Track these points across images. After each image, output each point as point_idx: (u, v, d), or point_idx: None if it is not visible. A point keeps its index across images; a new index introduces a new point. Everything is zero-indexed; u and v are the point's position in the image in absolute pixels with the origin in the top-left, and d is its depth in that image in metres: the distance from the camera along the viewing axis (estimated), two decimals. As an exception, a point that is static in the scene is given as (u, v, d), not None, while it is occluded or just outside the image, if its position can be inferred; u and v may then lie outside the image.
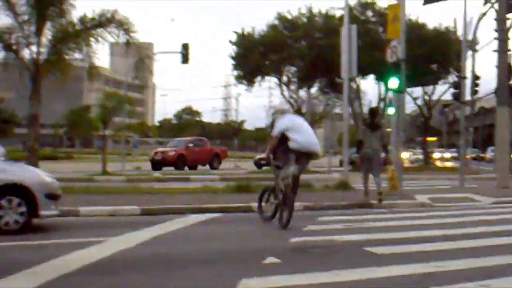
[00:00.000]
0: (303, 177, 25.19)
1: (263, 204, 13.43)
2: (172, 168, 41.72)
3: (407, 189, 21.47)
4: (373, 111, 19.49)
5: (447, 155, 69.88)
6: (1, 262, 8.64)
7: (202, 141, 47.92)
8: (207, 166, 45.15)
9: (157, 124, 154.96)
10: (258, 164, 43.16)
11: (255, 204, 14.25)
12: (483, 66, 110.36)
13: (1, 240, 10.20)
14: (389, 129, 30.26)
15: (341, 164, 34.00)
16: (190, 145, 45.10)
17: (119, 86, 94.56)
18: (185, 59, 46.24)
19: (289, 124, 13.21)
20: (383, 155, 18.35)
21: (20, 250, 9.76)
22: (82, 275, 7.82)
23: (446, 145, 75.08)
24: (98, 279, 7.68)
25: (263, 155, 17.37)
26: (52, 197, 11.72)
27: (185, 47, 46.19)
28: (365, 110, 53.17)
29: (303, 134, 13.14)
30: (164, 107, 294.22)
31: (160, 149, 47.68)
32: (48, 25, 22.37)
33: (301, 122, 13.63)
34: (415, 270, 8.12)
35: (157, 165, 42.46)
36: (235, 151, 66.82)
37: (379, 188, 17.46)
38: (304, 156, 13.15)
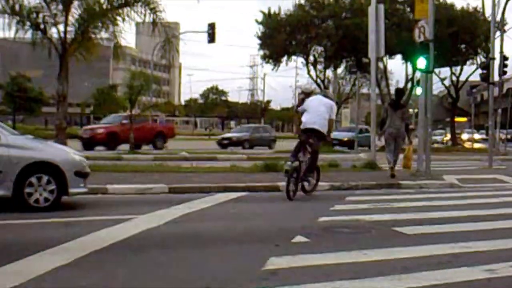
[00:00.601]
0: (330, 156, 25.24)
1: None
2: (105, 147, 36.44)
3: (436, 170, 21.36)
4: (399, 91, 20.97)
5: (476, 136, 69.33)
6: (31, 239, 8.70)
7: (142, 118, 40.42)
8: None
9: (183, 103, 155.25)
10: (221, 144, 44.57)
11: (282, 184, 14.29)
12: (511, 47, 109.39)
13: (31, 217, 10.29)
14: (416, 110, 30.08)
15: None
16: (125, 121, 36.83)
17: (146, 66, 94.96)
18: (211, 38, 46.36)
19: (304, 106, 14.56)
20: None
21: (49, 227, 9.81)
22: (111, 253, 7.87)
23: (474, 126, 74.48)
24: (127, 256, 7.73)
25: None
26: (81, 175, 11.79)
27: (212, 26, 46.26)
28: (392, 90, 53.01)
29: (307, 114, 14.29)
30: (190, 86, 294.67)
31: (90, 126, 44.69)
32: (75, 4, 22.37)
33: (314, 104, 14.48)
34: (443, 251, 8.09)
35: (86, 144, 36.26)
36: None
37: (395, 163, 18.67)
38: (308, 134, 14.20)
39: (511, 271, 7.05)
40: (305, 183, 14.30)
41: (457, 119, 53.74)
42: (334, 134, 30.84)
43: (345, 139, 41.78)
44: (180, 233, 9.37)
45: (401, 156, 19.30)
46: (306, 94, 15.69)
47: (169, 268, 7.10)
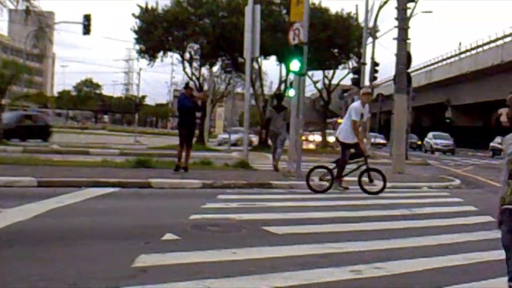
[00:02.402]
0: (203, 154, 25.30)
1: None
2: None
3: (306, 171, 21.73)
4: (278, 96, 24.83)
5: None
6: None
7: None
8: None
9: (56, 95, 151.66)
10: None
11: (154, 180, 14.20)
12: (382, 53, 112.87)
13: None
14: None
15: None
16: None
17: (18, 55, 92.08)
18: (86, 30, 45.52)
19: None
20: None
21: None
22: (-27, 247, 7.60)
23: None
24: (-10, 251, 7.48)
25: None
26: None
27: (87, 18, 45.43)
28: (266, 90, 53.62)
29: None
30: (64, 78, 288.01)
31: None
32: None
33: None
34: (311, 251, 8.24)
35: None
36: (135, 126, 66.05)
37: (278, 159, 21.32)
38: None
39: (375, 272, 7.25)
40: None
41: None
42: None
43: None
44: (48, 228, 9.14)
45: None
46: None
47: (34, 265, 6.90)
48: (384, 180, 16.36)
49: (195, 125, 19.95)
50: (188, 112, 18.63)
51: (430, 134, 65.89)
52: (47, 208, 10.86)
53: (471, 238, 9.99)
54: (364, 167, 16.59)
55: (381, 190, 16.28)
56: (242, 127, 48.80)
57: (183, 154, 18.48)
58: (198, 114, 22.18)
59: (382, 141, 68.50)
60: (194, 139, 23.18)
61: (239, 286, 6.38)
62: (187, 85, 20.16)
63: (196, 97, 19.12)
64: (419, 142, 68.94)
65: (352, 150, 16.50)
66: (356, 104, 16.69)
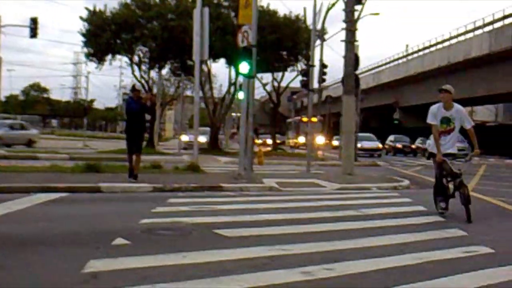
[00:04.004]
0: (153, 158, 25.19)
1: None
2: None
3: (257, 173, 21.86)
4: None
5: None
6: None
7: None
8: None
9: (3, 99, 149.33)
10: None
11: (104, 184, 14.10)
12: (331, 55, 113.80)
13: None
14: (239, 114, 30.76)
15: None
16: None
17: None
18: (33, 33, 44.98)
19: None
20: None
21: None
22: None
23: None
24: None
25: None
26: None
27: (34, 21, 44.89)
28: (216, 93, 53.60)
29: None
30: (11, 82, 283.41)
31: None
32: None
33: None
34: (261, 253, 8.25)
35: None
36: (84, 130, 65.37)
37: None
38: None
39: (325, 273, 7.28)
40: None
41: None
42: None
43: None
44: (-5, 235, 9.01)
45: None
46: None
47: (-18, 272, 6.81)
48: None
49: (144, 129, 19.34)
50: (135, 116, 18.03)
51: (391, 137, 65.29)
52: (-6, 215, 10.71)
53: (421, 238, 10.10)
54: None
55: None
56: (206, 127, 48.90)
57: (124, 160, 18.17)
58: (148, 117, 21.94)
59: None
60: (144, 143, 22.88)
61: (190, 289, 6.38)
62: (133, 88, 19.64)
63: (143, 99, 18.55)
64: (414, 146, 64.64)
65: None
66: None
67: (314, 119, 57.73)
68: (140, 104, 17.97)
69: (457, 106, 12.33)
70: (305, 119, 41.39)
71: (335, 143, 61.94)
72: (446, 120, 12.23)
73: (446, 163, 12.02)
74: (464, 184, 12.23)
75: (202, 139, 43.76)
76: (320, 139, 57.07)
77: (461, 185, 12.18)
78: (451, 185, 12.59)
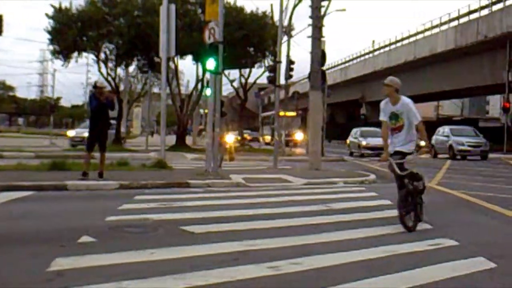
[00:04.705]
0: (120, 155, 25.07)
1: None
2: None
3: (224, 169, 21.88)
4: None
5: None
6: None
7: None
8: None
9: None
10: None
11: (70, 182, 14.03)
12: (297, 51, 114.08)
13: None
14: (206, 110, 30.79)
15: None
16: None
17: None
18: (-2, 31, 44.45)
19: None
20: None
21: None
22: None
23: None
24: None
25: None
26: None
27: (0, 19, 44.39)
28: (183, 90, 53.47)
29: None
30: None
31: None
32: None
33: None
34: (228, 249, 8.26)
35: None
36: (50, 128, 64.82)
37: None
38: None
39: (293, 267, 7.31)
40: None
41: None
42: None
43: None
44: (-41, 235, 8.91)
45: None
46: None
47: None
48: None
49: (106, 126, 18.48)
50: (96, 113, 17.44)
51: (357, 132, 47.22)
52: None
53: (388, 231, 10.18)
54: None
55: None
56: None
57: (92, 158, 17.72)
58: (114, 114, 21.61)
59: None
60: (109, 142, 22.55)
61: (157, 286, 6.35)
62: (95, 85, 18.60)
63: (101, 96, 17.88)
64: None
65: None
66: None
67: (293, 113, 56.78)
68: (99, 101, 17.47)
69: (404, 99, 10.99)
70: (281, 113, 39.92)
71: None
72: (394, 116, 10.95)
73: (391, 163, 10.74)
74: (418, 176, 11.04)
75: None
76: (299, 136, 55.60)
77: (415, 177, 10.91)
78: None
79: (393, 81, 11.03)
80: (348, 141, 48.18)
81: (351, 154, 45.18)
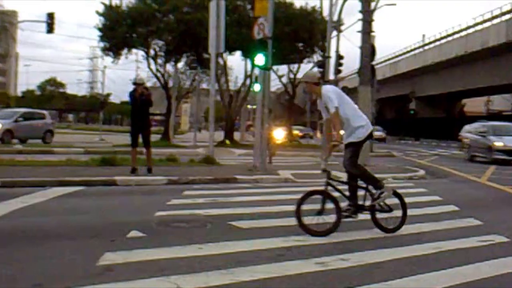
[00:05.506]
0: (169, 151, 25.22)
1: None
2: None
3: (272, 165, 21.87)
4: None
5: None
6: None
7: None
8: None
9: (20, 95, 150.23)
10: None
11: (119, 178, 14.15)
12: (347, 46, 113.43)
13: None
14: (254, 106, 30.76)
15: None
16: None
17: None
18: (50, 28, 45.11)
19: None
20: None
21: None
22: None
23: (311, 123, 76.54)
24: (-47, 253, 7.40)
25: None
26: None
27: (51, 16, 45.02)
28: (232, 86, 53.55)
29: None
30: (27, 77, 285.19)
31: None
32: None
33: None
34: (276, 244, 8.27)
35: None
36: (100, 124, 65.49)
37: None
38: None
39: (340, 263, 7.30)
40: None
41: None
42: None
43: None
44: (13, 229, 9.04)
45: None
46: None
47: (-1, 265, 6.84)
48: None
49: (145, 122, 18.34)
50: (134, 109, 17.60)
51: (481, 127, 32.33)
52: (11, 209, 10.78)
53: (437, 227, 10.09)
54: None
55: None
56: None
57: (141, 154, 17.83)
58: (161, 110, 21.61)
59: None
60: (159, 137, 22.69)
61: (205, 281, 6.36)
62: (134, 82, 18.44)
63: (136, 92, 17.65)
64: (384, 136, 67.54)
65: None
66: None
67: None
68: (134, 97, 17.56)
69: (323, 89, 9.78)
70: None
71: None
72: (327, 110, 9.82)
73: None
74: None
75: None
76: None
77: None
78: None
79: (308, 76, 10.23)
80: (463, 139, 35.92)
81: (471, 158, 32.87)
